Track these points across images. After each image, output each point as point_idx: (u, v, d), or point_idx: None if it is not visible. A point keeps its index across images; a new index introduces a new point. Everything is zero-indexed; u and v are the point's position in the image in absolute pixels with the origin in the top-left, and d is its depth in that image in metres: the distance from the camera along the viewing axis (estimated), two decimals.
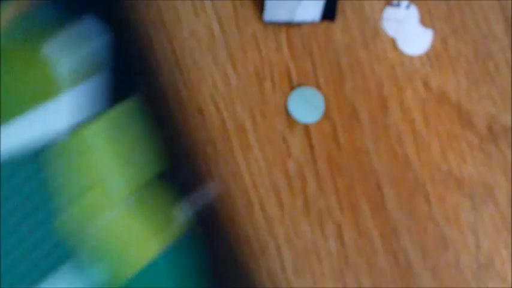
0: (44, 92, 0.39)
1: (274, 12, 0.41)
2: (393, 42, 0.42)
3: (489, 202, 0.42)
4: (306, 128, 0.42)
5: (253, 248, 0.42)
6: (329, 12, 0.42)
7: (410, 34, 0.42)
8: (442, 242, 0.42)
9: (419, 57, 0.42)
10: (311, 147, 0.42)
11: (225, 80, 0.42)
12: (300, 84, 0.42)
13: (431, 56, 0.42)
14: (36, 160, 0.39)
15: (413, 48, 0.42)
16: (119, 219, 0.39)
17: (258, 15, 0.42)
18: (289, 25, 0.42)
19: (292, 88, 0.42)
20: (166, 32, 0.42)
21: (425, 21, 0.43)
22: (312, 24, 0.42)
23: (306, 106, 0.42)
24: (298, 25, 0.42)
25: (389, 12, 0.43)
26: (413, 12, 0.43)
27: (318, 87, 0.42)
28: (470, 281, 0.42)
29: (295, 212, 0.42)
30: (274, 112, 0.42)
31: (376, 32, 0.42)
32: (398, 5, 0.43)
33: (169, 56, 0.42)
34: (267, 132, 0.42)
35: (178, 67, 0.42)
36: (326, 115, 0.42)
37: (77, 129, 0.39)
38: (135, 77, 0.39)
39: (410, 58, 0.42)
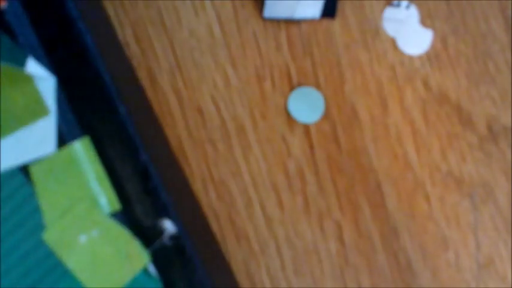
0: (31, 110, 0.39)
1: (274, 8, 0.41)
2: (393, 42, 0.42)
3: (489, 202, 0.42)
4: (306, 128, 0.42)
5: (253, 248, 0.42)
6: (329, 10, 0.42)
7: (410, 34, 0.42)
8: (442, 242, 0.42)
9: (419, 57, 0.42)
10: (311, 147, 0.42)
11: (225, 80, 0.42)
12: (300, 84, 0.42)
13: (431, 56, 0.42)
14: (24, 174, 0.39)
15: (413, 48, 0.42)
16: (100, 237, 0.39)
17: (258, 15, 0.42)
18: (289, 25, 0.42)
19: (292, 88, 0.42)
20: (166, 32, 0.42)
21: (425, 21, 0.43)
22: (312, 24, 0.42)
23: (306, 106, 0.42)
24: (298, 25, 0.42)
25: (390, 12, 0.43)
26: (413, 12, 0.43)
27: (318, 87, 0.42)
28: (470, 281, 0.42)
29: (295, 212, 0.42)
30: (274, 112, 0.42)
31: (376, 32, 0.42)
32: (398, 5, 0.43)
33: (169, 56, 0.42)
34: (267, 132, 0.42)
35: (178, 67, 0.42)
36: (326, 115, 0.42)
37: (65, 145, 0.39)
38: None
39: (410, 58, 0.42)
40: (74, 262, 0.39)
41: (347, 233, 0.42)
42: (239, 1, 0.42)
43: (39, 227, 0.39)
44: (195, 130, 0.42)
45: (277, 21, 0.42)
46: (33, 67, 0.38)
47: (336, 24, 0.42)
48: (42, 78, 0.39)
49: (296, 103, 0.42)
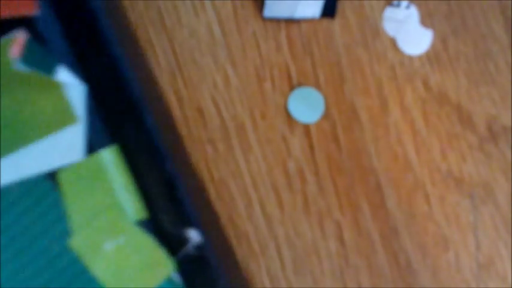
0: (59, 117, 0.39)
1: (274, 8, 0.41)
2: (393, 42, 0.42)
3: (489, 202, 0.42)
4: (306, 128, 0.42)
5: (253, 248, 0.42)
6: (329, 9, 0.42)
7: (410, 34, 0.42)
8: (442, 242, 0.42)
9: (419, 57, 0.42)
10: (311, 147, 0.42)
11: (225, 80, 0.42)
12: (300, 84, 0.42)
13: (431, 56, 0.42)
14: (51, 180, 0.39)
15: (413, 48, 0.42)
16: (126, 245, 0.39)
17: (258, 15, 0.42)
18: (289, 25, 0.42)
19: (292, 88, 0.42)
20: (166, 32, 0.42)
21: (425, 21, 0.43)
22: (312, 24, 0.42)
23: (306, 106, 0.42)
24: (298, 25, 0.42)
25: (390, 12, 0.43)
26: (413, 12, 0.43)
27: (318, 87, 0.42)
28: (470, 281, 0.42)
29: (295, 212, 0.42)
30: (274, 112, 0.42)
31: (376, 32, 0.42)
32: (398, 5, 0.43)
33: (170, 56, 0.42)
34: (267, 132, 0.42)
35: (178, 67, 0.42)
36: (326, 115, 0.42)
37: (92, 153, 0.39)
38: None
39: (410, 58, 0.42)
40: (99, 269, 0.39)
41: (347, 233, 0.42)
42: (239, 1, 0.42)
43: (66, 233, 0.39)
44: (195, 130, 0.42)
45: (277, 21, 0.42)
46: (63, 74, 0.39)
47: (336, 24, 0.42)
48: (72, 85, 0.39)
49: (296, 103, 0.42)
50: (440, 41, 0.42)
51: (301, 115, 0.42)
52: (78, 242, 0.39)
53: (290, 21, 0.42)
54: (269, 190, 0.42)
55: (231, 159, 0.42)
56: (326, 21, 0.42)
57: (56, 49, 0.39)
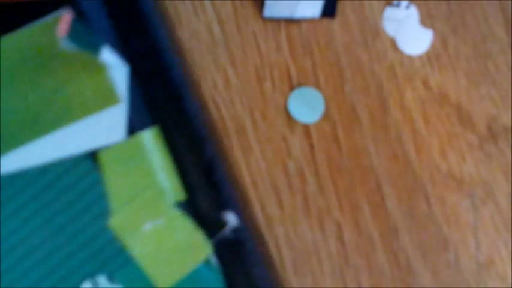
0: (102, 98, 0.39)
1: (274, 8, 0.41)
2: (393, 42, 0.42)
3: (489, 202, 0.42)
4: (306, 128, 0.42)
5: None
6: (329, 9, 0.42)
7: (410, 34, 0.42)
8: (442, 242, 0.42)
9: (419, 57, 0.42)
10: (311, 147, 0.42)
11: (225, 80, 0.42)
12: (300, 84, 0.42)
13: (431, 56, 0.42)
14: (92, 160, 0.39)
15: (413, 48, 0.42)
16: (165, 226, 0.39)
17: (258, 15, 0.42)
18: (289, 25, 0.42)
19: (292, 88, 0.42)
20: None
21: (425, 21, 0.43)
22: (312, 24, 0.42)
23: (306, 106, 0.42)
24: (298, 25, 0.42)
25: (390, 12, 0.43)
26: (413, 12, 0.43)
27: (318, 87, 0.42)
28: (470, 281, 0.42)
29: (295, 212, 0.42)
30: (274, 112, 0.42)
31: (376, 32, 0.42)
32: (398, 5, 0.43)
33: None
34: (267, 132, 0.42)
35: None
36: (326, 115, 0.42)
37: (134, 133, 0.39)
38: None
39: (410, 58, 0.42)
40: (137, 249, 0.39)
41: (347, 233, 0.42)
42: (239, 1, 0.42)
43: (105, 213, 0.39)
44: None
45: (277, 21, 0.42)
46: (107, 55, 0.38)
47: (336, 24, 0.42)
48: (115, 66, 0.39)
49: (296, 103, 0.42)
50: (440, 41, 0.42)
51: (301, 115, 0.42)
52: (117, 222, 0.39)
53: (290, 21, 0.42)
54: (269, 190, 0.42)
55: (231, 159, 0.42)
56: (326, 21, 0.42)
57: (99, 29, 0.39)
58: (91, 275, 0.39)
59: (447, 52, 0.42)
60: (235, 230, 0.39)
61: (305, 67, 0.42)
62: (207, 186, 0.40)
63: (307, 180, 0.42)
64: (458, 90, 0.42)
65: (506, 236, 0.42)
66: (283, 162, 0.42)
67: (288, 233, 0.42)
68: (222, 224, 0.39)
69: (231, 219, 0.39)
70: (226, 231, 0.39)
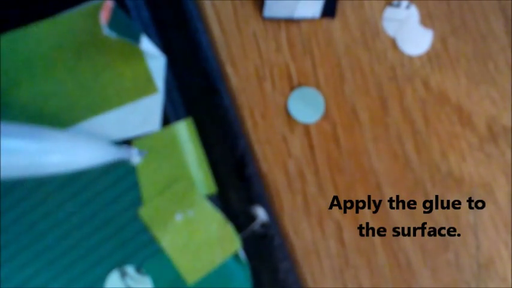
0: (140, 87, 0.39)
1: (274, 8, 0.41)
2: (393, 42, 0.42)
3: (489, 202, 0.42)
4: (306, 128, 0.42)
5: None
6: (329, 9, 0.42)
7: (410, 34, 0.42)
8: (442, 242, 0.42)
9: (419, 57, 0.42)
10: (311, 147, 0.42)
11: (225, 80, 0.42)
12: (300, 84, 0.42)
13: (431, 56, 0.42)
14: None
15: (413, 48, 0.42)
16: (195, 218, 0.39)
17: (258, 15, 0.42)
18: (289, 25, 0.42)
19: (292, 88, 0.42)
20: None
21: (425, 21, 0.43)
22: (312, 24, 0.42)
23: (306, 106, 0.42)
24: (298, 25, 0.42)
25: (390, 12, 0.43)
26: (413, 12, 0.43)
27: (318, 87, 0.42)
28: (470, 281, 0.42)
29: (295, 212, 0.42)
30: (274, 112, 0.42)
31: (376, 32, 0.42)
32: (398, 5, 0.43)
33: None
34: (267, 132, 0.42)
35: None
36: (326, 115, 0.42)
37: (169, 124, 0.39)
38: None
39: (410, 58, 0.42)
40: (167, 240, 0.39)
41: (347, 233, 0.42)
42: (239, 1, 0.42)
43: (136, 202, 0.39)
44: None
45: (277, 21, 0.42)
46: (146, 44, 0.38)
47: (336, 24, 0.42)
48: (153, 56, 0.39)
49: (296, 103, 0.42)
50: (440, 41, 0.42)
51: (301, 115, 0.42)
52: (148, 212, 0.39)
53: (290, 21, 0.42)
54: (269, 190, 0.42)
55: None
56: (326, 21, 0.42)
57: (139, 19, 0.40)
58: (119, 264, 0.39)
59: (447, 52, 0.42)
60: (264, 225, 0.39)
61: (305, 67, 0.42)
62: (238, 180, 0.40)
63: (307, 180, 0.42)
64: (458, 90, 0.42)
65: (506, 236, 0.42)
66: (283, 162, 0.42)
67: (288, 233, 0.42)
68: (251, 219, 0.39)
69: (261, 213, 0.39)
70: (255, 225, 0.39)
